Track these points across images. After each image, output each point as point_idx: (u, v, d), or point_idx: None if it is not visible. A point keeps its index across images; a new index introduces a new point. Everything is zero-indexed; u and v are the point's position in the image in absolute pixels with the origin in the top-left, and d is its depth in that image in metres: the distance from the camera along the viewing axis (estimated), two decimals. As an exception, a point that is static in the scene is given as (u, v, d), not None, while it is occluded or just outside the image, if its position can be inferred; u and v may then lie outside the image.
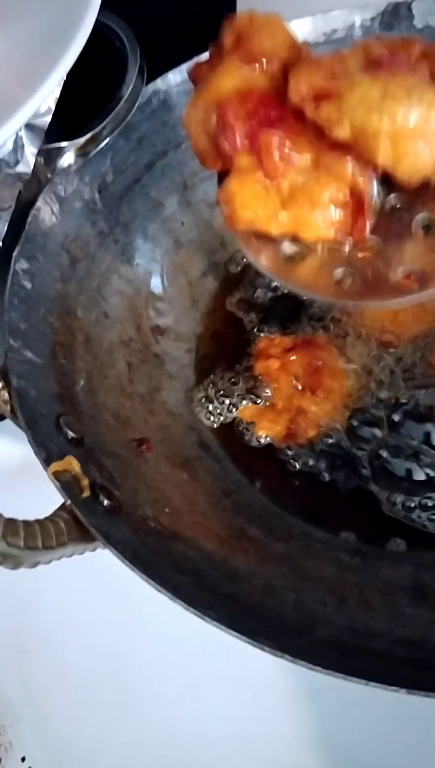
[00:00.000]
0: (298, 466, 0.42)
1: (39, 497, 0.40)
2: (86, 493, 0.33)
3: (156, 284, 0.47)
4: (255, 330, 0.46)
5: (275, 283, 0.46)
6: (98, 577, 0.41)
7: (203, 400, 0.45)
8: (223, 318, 0.48)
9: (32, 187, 0.41)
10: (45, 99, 0.31)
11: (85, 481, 0.33)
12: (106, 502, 0.34)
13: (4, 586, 0.46)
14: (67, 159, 0.41)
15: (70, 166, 0.41)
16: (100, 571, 0.36)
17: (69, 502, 0.31)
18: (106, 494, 0.34)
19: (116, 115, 0.41)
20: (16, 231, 0.40)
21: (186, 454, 0.42)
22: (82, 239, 0.43)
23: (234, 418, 0.44)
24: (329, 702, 0.40)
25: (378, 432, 0.42)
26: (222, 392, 0.45)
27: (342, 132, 0.27)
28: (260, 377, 0.44)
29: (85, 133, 0.41)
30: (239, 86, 0.28)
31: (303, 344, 0.43)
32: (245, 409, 0.44)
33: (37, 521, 0.28)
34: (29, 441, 0.34)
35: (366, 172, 0.27)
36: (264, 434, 0.43)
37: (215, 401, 0.45)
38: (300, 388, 0.43)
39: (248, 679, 0.41)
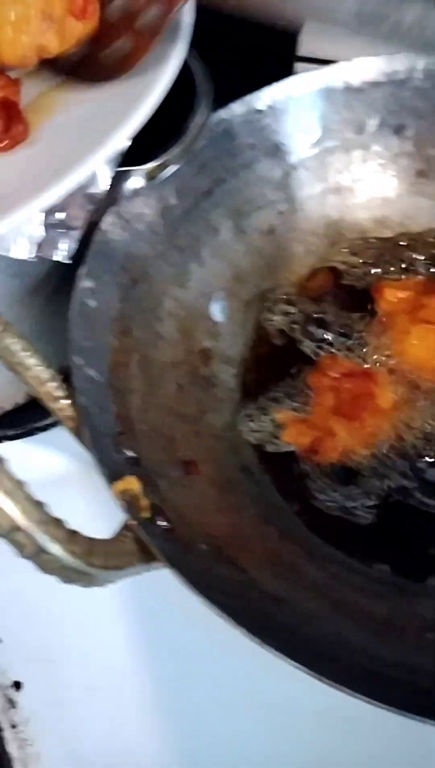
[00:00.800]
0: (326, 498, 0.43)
1: (82, 509, 0.41)
2: (146, 514, 0.34)
3: (207, 308, 0.48)
4: (324, 345, 0.46)
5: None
6: (129, 589, 0.42)
7: (247, 417, 0.46)
8: (270, 343, 0.49)
9: (101, 208, 0.42)
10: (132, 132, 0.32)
11: (145, 502, 0.34)
12: (163, 523, 0.34)
13: (33, 595, 0.47)
14: (136, 183, 0.42)
15: (137, 189, 0.42)
16: (131, 582, 0.36)
17: (132, 522, 0.32)
18: (162, 516, 0.35)
19: (185, 143, 0.42)
20: (82, 250, 0.41)
21: (229, 477, 0.43)
22: (142, 260, 0.44)
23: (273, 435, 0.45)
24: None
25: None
26: (266, 408, 0.46)
27: None
28: (309, 387, 0.45)
29: (156, 159, 0.42)
30: None
31: (362, 375, 0.44)
32: (282, 412, 0.44)
33: (110, 541, 0.28)
34: (93, 459, 0.34)
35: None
36: (289, 441, 0.44)
37: (259, 417, 0.45)
38: (339, 411, 0.44)
39: (280, 698, 0.42)
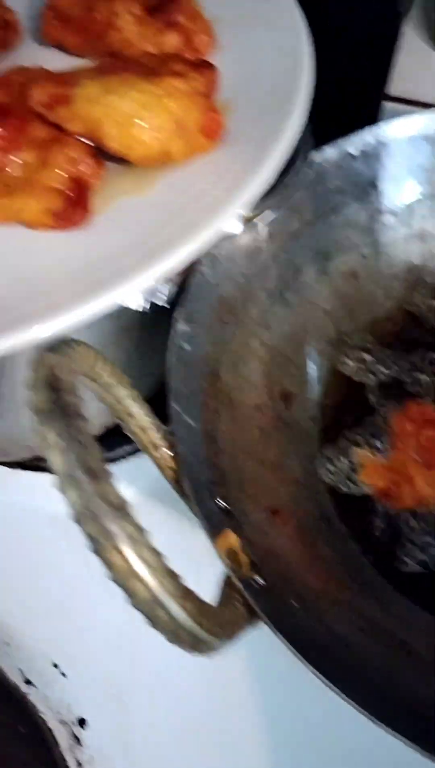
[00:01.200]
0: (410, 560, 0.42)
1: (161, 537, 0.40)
2: (246, 572, 0.33)
3: (289, 350, 0.48)
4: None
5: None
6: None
7: (327, 459, 0.45)
8: (349, 386, 0.48)
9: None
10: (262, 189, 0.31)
11: (245, 559, 0.34)
12: (260, 580, 0.34)
13: (99, 628, 0.47)
14: (234, 227, 0.42)
15: (234, 234, 0.42)
16: None
17: (239, 585, 0.31)
18: (257, 572, 0.34)
19: (285, 191, 0.42)
20: (177, 292, 0.41)
21: (311, 527, 0.43)
22: (231, 302, 0.44)
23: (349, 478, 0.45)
24: None
25: None
26: (345, 450, 0.45)
27: (75, 127, 0.32)
28: (391, 430, 0.44)
29: (256, 206, 0.41)
30: None
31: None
32: (361, 453, 0.44)
33: (225, 607, 0.28)
34: (194, 512, 0.34)
35: (88, 162, 0.32)
36: (366, 481, 0.43)
37: (338, 459, 0.45)
38: (419, 458, 0.44)
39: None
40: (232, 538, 0.33)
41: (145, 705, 0.44)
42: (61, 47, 0.40)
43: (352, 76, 0.53)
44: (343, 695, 0.28)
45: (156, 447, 0.34)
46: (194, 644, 0.25)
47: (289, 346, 0.48)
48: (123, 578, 0.23)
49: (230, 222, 0.30)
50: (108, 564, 0.23)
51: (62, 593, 0.47)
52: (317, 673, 0.29)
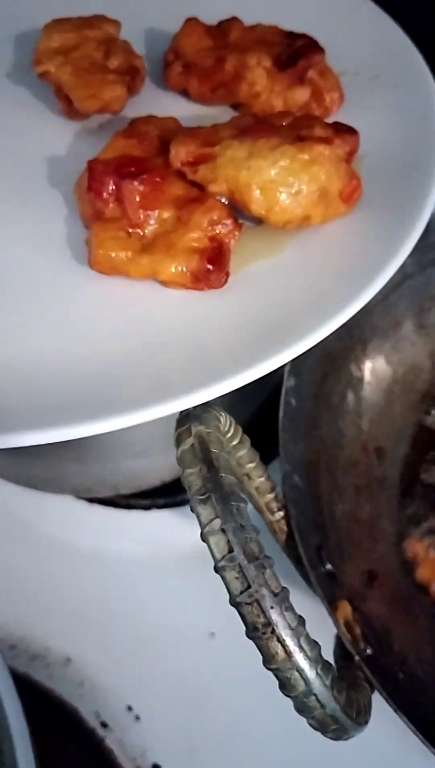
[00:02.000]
0: None
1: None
2: (361, 645, 0.33)
3: (383, 404, 0.47)
4: None
5: None
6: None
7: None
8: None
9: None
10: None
11: (358, 630, 0.33)
12: (369, 650, 0.33)
13: (177, 675, 0.46)
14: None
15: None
16: None
17: (358, 659, 0.31)
18: (367, 641, 0.34)
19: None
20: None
21: (402, 591, 0.42)
22: (332, 354, 0.44)
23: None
24: None
25: None
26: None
27: (218, 188, 0.31)
28: None
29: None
30: (117, 154, 0.33)
31: None
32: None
33: (355, 688, 0.27)
34: (308, 579, 0.33)
35: (228, 224, 0.31)
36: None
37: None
38: None
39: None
40: (346, 609, 0.33)
41: (220, 754, 0.44)
42: (183, 93, 0.40)
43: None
44: None
45: (270, 510, 0.34)
46: (339, 732, 0.25)
47: (385, 399, 0.47)
48: (283, 669, 0.23)
49: (372, 295, 0.30)
50: (267, 654, 0.23)
51: (139, 636, 0.46)
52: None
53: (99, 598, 0.48)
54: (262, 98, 0.37)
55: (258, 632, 0.22)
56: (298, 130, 0.32)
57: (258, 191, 0.30)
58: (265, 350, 0.27)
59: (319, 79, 0.37)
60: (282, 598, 0.22)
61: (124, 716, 0.45)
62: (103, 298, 0.31)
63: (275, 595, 0.22)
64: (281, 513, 0.34)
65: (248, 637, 0.23)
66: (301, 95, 0.37)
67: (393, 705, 0.29)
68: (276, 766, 0.43)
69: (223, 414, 0.28)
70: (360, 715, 0.24)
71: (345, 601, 0.33)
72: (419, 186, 0.33)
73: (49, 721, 0.43)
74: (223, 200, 0.32)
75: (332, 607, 0.32)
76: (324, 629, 0.32)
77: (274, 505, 0.34)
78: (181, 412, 0.27)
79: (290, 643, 0.22)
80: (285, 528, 0.34)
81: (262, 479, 0.33)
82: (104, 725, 0.44)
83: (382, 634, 0.37)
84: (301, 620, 0.23)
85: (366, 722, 0.26)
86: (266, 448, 0.36)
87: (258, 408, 0.48)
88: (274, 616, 0.22)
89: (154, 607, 0.47)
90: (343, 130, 0.32)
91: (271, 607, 0.22)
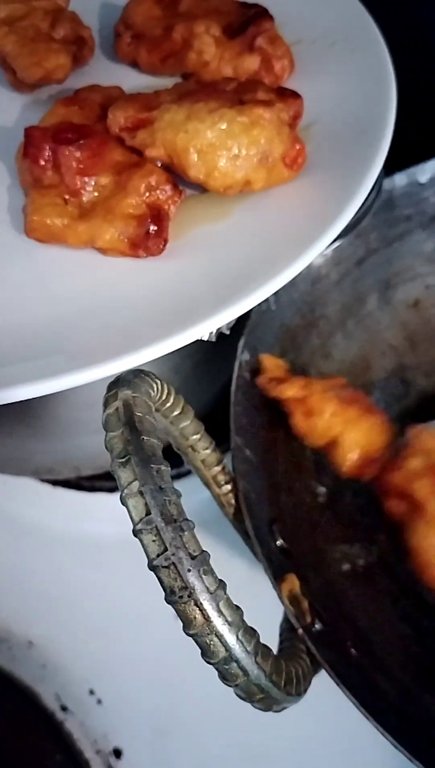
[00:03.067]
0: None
1: None
2: (308, 618, 0.32)
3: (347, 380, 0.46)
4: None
5: None
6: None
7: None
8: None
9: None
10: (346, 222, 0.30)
11: (305, 604, 0.32)
12: (318, 626, 0.33)
13: (139, 655, 0.45)
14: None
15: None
16: None
17: (302, 633, 0.30)
18: (318, 617, 0.33)
19: (356, 219, 0.41)
20: (240, 319, 0.40)
21: (365, 568, 0.41)
22: (292, 330, 0.43)
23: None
24: None
25: None
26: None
27: (156, 153, 0.31)
28: None
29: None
30: (57, 121, 0.32)
31: None
32: None
33: (294, 661, 0.27)
34: (255, 553, 0.33)
35: (167, 189, 0.31)
36: None
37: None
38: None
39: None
40: (294, 582, 0.32)
41: (184, 737, 0.43)
42: (134, 64, 0.39)
43: (425, 104, 0.51)
44: (400, 746, 0.27)
45: (217, 483, 0.33)
46: (267, 702, 0.24)
47: (348, 377, 0.46)
48: (201, 634, 0.22)
49: (314, 256, 0.29)
50: (185, 619, 0.22)
51: (104, 618, 0.46)
52: (378, 725, 0.28)
53: (63, 581, 0.47)
54: (212, 67, 0.36)
55: (175, 596, 0.22)
56: (241, 94, 0.32)
57: (196, 155, 0.30)
58: (197, 315, 0.27)
59: (268, 47, 0.36)
60: (200, 561, 0.22)
61: (86, 699, 0.44)
62: (40, 267, 0.30)
63: (193, 558, 0.22)
64: (229, 486, 0.33)
65: (167, 602, 0.22)
66: (250, 63, 0.36)
67: (336, 678, 0.29)
68: (241, 749, 0.42)
69: (157, 381, 0.27)
70: (290, 685, 0.24)
71: (293, 575, 0.32)
72: (367, 149, 0.33)
73: (8, 704, 0.43)
74: (161, 165, 0.31)
75: (279, 580, 0.31)
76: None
77: (222, 478, 0.33)
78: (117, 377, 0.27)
79: (208, 607, 0.22)
80: (233, 501, 0.33)
81: (208, 451, 0.32)
82: (64, 708, 0.43)
83: (337, 610, 0.36)
84: (221, 584, 0.22)
85: (300, 693, 0.25)
86: (227, 436, 0.35)
87: (218, 395, 0.47)
88: (192, 579, 0.22)
89: (118, 589, 0.46)
90: (287, 95, 0.32)
91: (189, 571, 0.22)
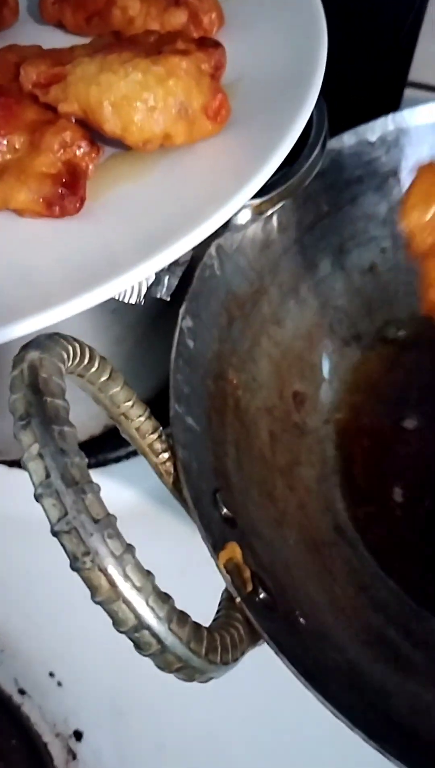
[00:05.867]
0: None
1: (149, 546, 0.38)
2: (248, 587, 0.31)
3: (302, 348, 0.45)
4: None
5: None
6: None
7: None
8: (365, 389, 0.46)
9: (203, 242, 0.39)
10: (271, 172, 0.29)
11: (247, 573, 0.31)
12: (263, 595, 0.32)
13: (99, 636, 0.44)
14: (243, 217, 0.39)
15: (243, 224, 0.40)
16: None
17: (238, 600, 0.29)
18: (262, 586, 0.32)
19: (298, 179, 0.39)
20: (182, 286, 0.38)
21: (323, 538, 0.40)
22: (240, 298, 0.42)
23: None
24: None
25: None
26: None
27: (69, 108, 0.29)
28: None
29: (266, 194, 0.39)
30: None
31: None
32: None
33: (224, 630, 0.26)
34: (195, 522, 0.32)
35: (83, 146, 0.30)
36: None
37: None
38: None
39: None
40: (235, 551, 0.31)
41: (145, 718, 0.42)
42: (60, 26, 0.38)
43: (374, 62, 0.50)
44: (340, 715, 0.26)
45: (154, 451, 0.32)
46: (188, 672, 0.23)
47: (302, 344, 0.45)
48: (108, 601, 0.21)
49: (234, 211, 0.28)
50: (91, 586, 0.21)
51: (61, 601, 0.45)
52: (318, 695, 0.27)
53: (19, 563, 0.46)
54: (138, 24, 0.35)
55: (78, 563, 0.20)
56: (160, 46, 0.30)
57: (110, 108, 0.29)
58: (112, 271, 0.26)
59: (195, 1, 0.35)
60: (105, 524, 0.21)
61: (45, 682, 0.43)
62: None
63: (96, 522, 0.20)
64: (167, 455, 0.32)
65: (72, 569, 0.21)
66: (177, 18, 0.35)
67: (274, 647, 0.28)
68: (202, 728, 0.41)
69: (75, 344, 0.26)
70: (214, 653, 0.23)
71: (234, 543, 0.31)
72: (293, 103, 0.31)
73: (-36, 690, 0.42)
74: (78, 123, 0.30)
75: (219, 549, 0.30)
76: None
77: (159, 447, 0.32)
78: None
79: (114, 572, 0.21)
80: (172, 470, 0.32)
81: (142, 419, 0.31)
82: (22, 692, 0.42)
83: (288, 581, 0.35)
84: (128, 548, 0.21)
85: (227, 662, 0.24)
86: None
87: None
88: (95, 544, 0.21)
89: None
90: (208, 44, 0.31)
91: (91, 535, 0.20)
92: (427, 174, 0.34)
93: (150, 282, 0.31)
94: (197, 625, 0.23)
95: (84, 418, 0.46)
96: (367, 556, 0.40)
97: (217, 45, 0.31)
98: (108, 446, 0.48)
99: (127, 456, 0.49)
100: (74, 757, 0.41)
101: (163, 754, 0.41)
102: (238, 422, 0.39)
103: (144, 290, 0.31)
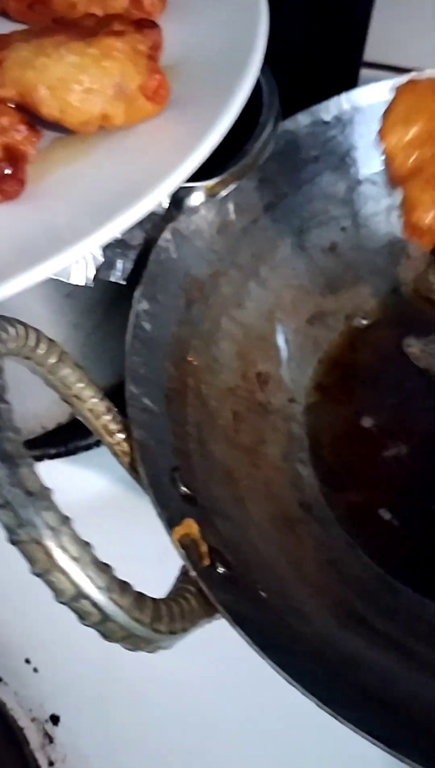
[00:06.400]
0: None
1: (121, 534, 0.38)
2: (206, 561, 0.31)
3: (264, 329, 0.45)
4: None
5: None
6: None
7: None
8: (330, 367, 0.46)
9: (158, 225, 0.39)
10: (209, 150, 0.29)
11: (204, 548, 0.32)
12: (221, 569, 0.32)
13: (81, 628, 0.45)
14: (196, 199, 0.39)
15: (196, 206, 0.40)
16: None
17: (193, 574, 0.29)
18: (221, 560, 0.32)
19: (250, 159, 0.40)
20: (138, 269, 0.39)
21: (289, 514, 0.40)
22: (199, 280, 0.42)
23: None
24: None
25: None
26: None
27: (7, 93, 0.30)
28: None
29: (218, 175, 0.39)
30: None
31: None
32: None
33: (173, 601, 0.26)
34: (151, 500, 0.32)
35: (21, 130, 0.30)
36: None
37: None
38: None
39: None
40: (191, 527, 0.31)
41: (123, 702, 0.42)
42: (3, 14, 0.38)
43: (327, 42, 0.50)
44: (301, 687, 0.26)
45: (109, 432, 0.32)
46: (133, 641, 0.23)
47: (264, 324, 0.45)
48: (45, 573, 0.21)
49: (173, 187, 0.28)
50: (30, 558, 0.21)
51: (36, 587, 0.45)
52: (274, 664, 0.27)
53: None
54: (79, 9, 0.35)
55: (15, 536, 0.21)
56: (97, 29, 0.31)
57: (47, 91, 0.29)
58: (50, 250, 0.26)
59: (136, -18, 0.35)
60: (40, 497, 0.21)
61: (21, 669, 0.43)
62: None
63: (31, 495, 0.21)
64: (122, 435, 0.32)
65: (10, 542, 0.21)
66: (118, 1, 0.35)
67: (229, 617, 0.28)
68: (179, 711, 0.42)
69: (17, 326, 0.27)
70: (160, 622, 0.23)
71: (191, 520, 0.31)
72: (233, 82, 0.32)
73: None
74: (16, 107, 0.30)
75: (174, 525, 0.31)
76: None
77: (114, 427, 0.32)
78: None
79: (50, 544, 0.21)
80: (128, 450, 0.32)
81: (95, 400, 0.31)
82: (-3, 678, 0.42)
83: (253, 556, 0.35)
84: (65, 520, 0.21)
85: (175, 632, 0.24)
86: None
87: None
88: (29, 516, 0.21)
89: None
90: (144, 25, 0.31)
91: (26, 507, 0.21)
92: (406, 94, 0.33)
93: (98, 263, 0.31)
94: (141, 595, 0.23)
95: (50, 405, 0.46)
96: (337, 530, 0.40)
97: (153, 25, 0.31)
98: (77, 434, 0.48)
99: (98, 443, 0.49)
100: (51, 740, 0.41)
101: (140, 737, 0.41)
102: (199, 403, 0.40)
103: (91, 271, 0.31)
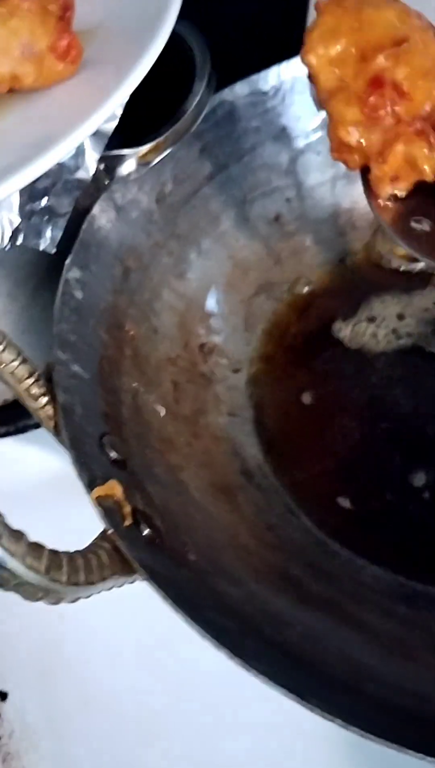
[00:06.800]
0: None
1: (73, 513, 0.38)
2: (128, 521, 0.31)
3: (206, 300, 0.45)
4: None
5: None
6: (130, 601, 0.39)
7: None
8: (276, 339, 0.46)
9: (90, 194, 0.39)
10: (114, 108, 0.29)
11: (127, 508, 0.32)
12: (147, 531, 0.32)
13: (26, 604, 0.45)
14: (128, 167, 0.39)
15: (130, 174, 0.40)
16: (132, 595, 0.34)
17: (111, 531, 0.29)
18: (147, 523, 0.32)
19: (181, 125, 0.40)
20: (70, 238, 0.39)
21: (229, 481, 0.40)
22: (137, 250, 0.42)
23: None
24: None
25: None
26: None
27: None
28: None
29: (149, 142, 0.39)
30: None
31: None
32: None
33: (80, 554, 0.26)
34: (72, 461, 0.32)
35: None
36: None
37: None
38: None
39: (277, 720, 0.39)
40: (115, 488, 0.31)
41: (71, 676, 0.42)
42: None
43: (270, 11, 0.50)
44: (212, 639, 0.26)
45: (32, 396, 0.32)
46: (29, 590, 0.23)
47: (207, 296, 0.45)
48: None
49: (80, 140, 0.28)
50: None
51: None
52: (190, 620, 0.27)
53: None
54: None
55: None
56: None
57: None
58: None
59: None
60: None
61: (-34, 647, 0.43)
62: None
63: None
64: (45, 399, 0.32)
65: None
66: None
67: (144, 573, 0.28)
68: (127, 686, 0.41)
69: None
70: (58, 571, 0.23)
71: (115, 481, 0.31)
72: (145, 42, 0.32)
73: None
74: None
75: (95, 485, 0.31)
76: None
77: (37, 392, 0.32)
78: None
79: None
80: (52, 414, 0.32)
81: (16, 364, 0.31)
82: None
83: (185, 521, 0.35)
84: None
85: (76, 583, 0.24)
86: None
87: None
88: None
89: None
90: None
91: None
92: (329, 12, 0.33)
93: (14, 225, 0.31)
94: (37, 545, 0.23)
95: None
96: (277, 497, 0.40)
97: (63, -15, 0.31)
98: (26, 412, 0.48)
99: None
100: (-1, 716, 0.41)
101: (88, 712, 0.41)
102: (137, 371, 0.40)
103: (7, 234, 0.31)
